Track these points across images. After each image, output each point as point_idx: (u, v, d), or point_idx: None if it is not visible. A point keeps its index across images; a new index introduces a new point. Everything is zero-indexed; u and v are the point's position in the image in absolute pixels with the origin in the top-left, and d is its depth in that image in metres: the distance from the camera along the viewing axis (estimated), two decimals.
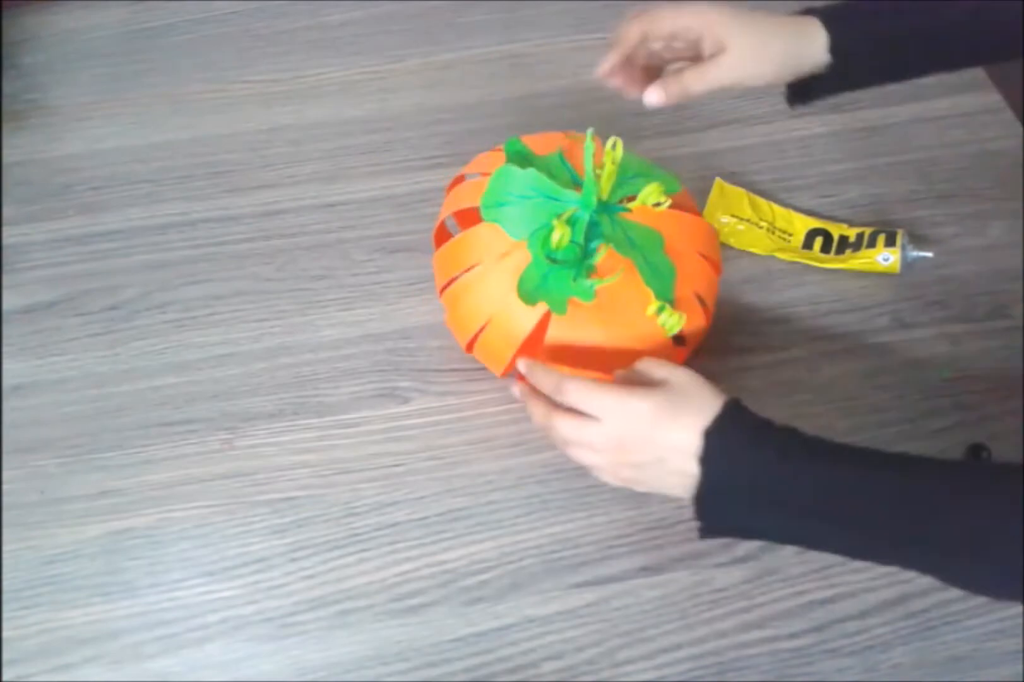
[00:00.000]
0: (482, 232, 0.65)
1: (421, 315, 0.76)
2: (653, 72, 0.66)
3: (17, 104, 0.92)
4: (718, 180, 0.82)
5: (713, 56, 0.61)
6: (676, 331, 0.62)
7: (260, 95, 0.91)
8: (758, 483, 0.51)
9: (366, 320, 0.76)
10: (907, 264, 0.75)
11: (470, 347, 0.68)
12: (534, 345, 0.64)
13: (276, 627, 0.62)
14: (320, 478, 0.68)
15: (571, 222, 0.62)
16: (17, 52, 0.96)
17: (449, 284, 0.67)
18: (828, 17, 0.60)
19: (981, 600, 0.61)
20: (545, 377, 0.58)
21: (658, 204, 0.62)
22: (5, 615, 0.63)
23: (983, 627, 0.60)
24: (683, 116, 0.87)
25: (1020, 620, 0.60)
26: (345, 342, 0.75)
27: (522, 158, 0.65)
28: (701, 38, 0.61)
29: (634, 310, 0.62)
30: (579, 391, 0.56)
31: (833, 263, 0.76)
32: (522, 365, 0.61)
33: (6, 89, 0.93)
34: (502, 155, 0.66)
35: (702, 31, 0.61)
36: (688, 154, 0.78)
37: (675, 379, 0.56)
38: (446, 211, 0.69)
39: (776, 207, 0.80)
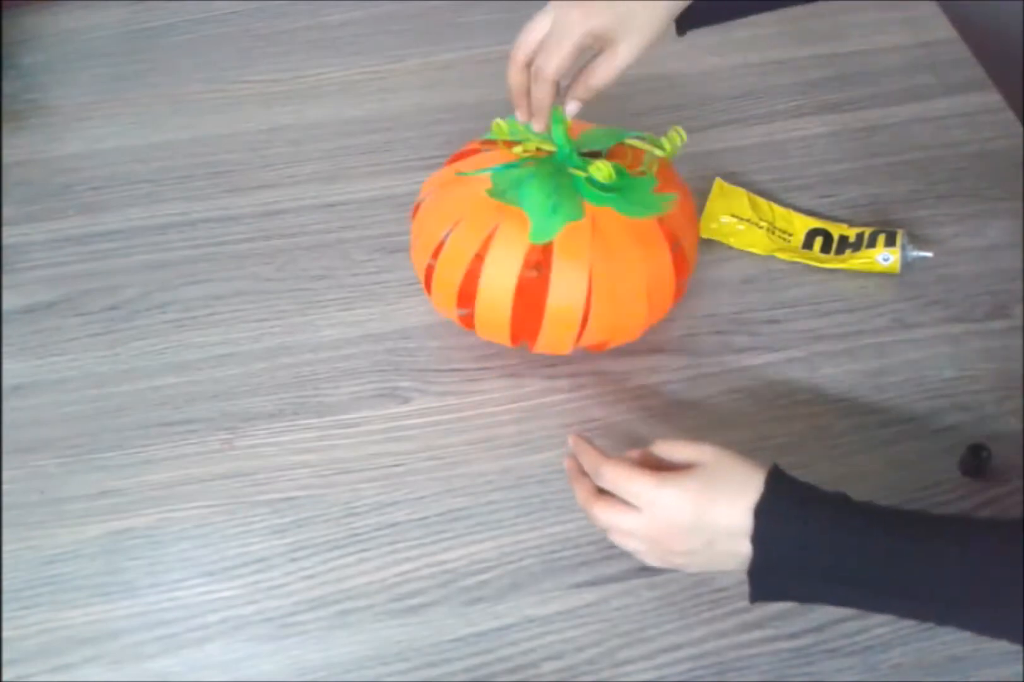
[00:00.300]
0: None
1: (421, 315, 0.76)
2: None
3: (17, 104, 0.92)
4: (718, 180, 0.82)
5: (603, 51, 0.61)
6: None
7: (260, 95, 0.91)
8: (809, 556, 0.51)
9: (366, 320, 0.76)
10: (907, 264, 0.75)
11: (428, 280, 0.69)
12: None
13: (276, 627, 0.62)
14: (320, 478, 0.68)
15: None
16: (17, 52, 0.96)
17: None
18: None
19: None
20: (586, 458, 0.58)
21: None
22: (5, 615, 0.63)
23: None
24: (683, 116, 0.87)
25: None
26: (345, 342, 0.75)
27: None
28: (590, 45, 0.61)
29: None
30: (614, 478, 0.55)
31: (833, 263, 0.76)
32: (571, 441, 0.60)
33: (6, 89, 0.93)
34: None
35: (589, 42, 0.61)
36: (688, 154, 0.78)
37: (704, 459, 0.54)
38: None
39: (776, 207, 0.80)
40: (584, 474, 0.58)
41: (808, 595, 0.54)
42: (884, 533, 0.51)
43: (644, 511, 0.54)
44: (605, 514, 0.56)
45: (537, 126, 0.64)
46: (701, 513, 0.52)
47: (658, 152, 0.67)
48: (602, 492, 0.56)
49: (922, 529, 0.52)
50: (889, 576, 0.50)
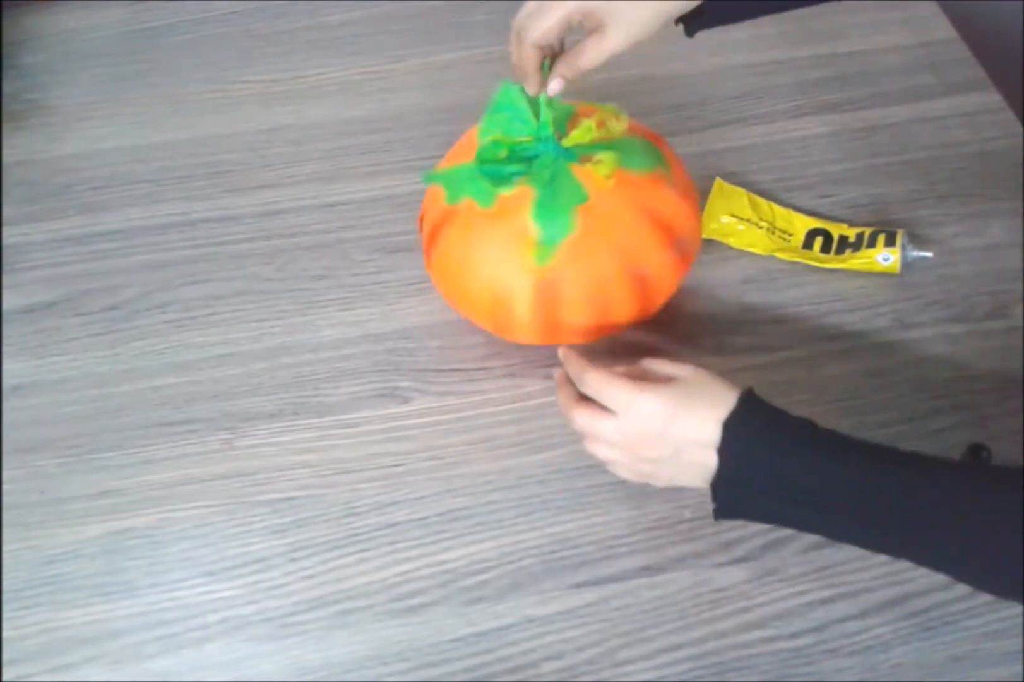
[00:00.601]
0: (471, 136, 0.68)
1: (421, 315, 0.76)
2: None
3: (17, 104, 0.92)
4: (718, 180, 0.82)
5: (593, 31, 0.62)
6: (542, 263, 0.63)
7: (260, 95, 0.91)
8: (773, 474, 0.52)
9: (366, 320, 0.76)
10: (907, 264, 0.75)
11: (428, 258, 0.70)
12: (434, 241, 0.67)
13: (276, 627, 0.62)
14: (320, 478, 0.68)
15: (520, 148, 0.65)
16: (17, 52, 0.96)
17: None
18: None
19: (981, 600, 0.61)
20: (572, 365, 0.60)
21: (607, 176, 0.63)
22: (5, 615, 0.63)
23: (983, 627, 0.60)
24: (683, 116, 0.87)
25: (1020, 620, 0.60)
26: (345, 342, 0.75)
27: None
28: (580, 22, 0.62)
29: (524, 238, 0.63)
30: (596, 382, 0.57)
31: (833, 263, 0.76)
32: (560, 352, 0.62)
33: (6, 89, 0.93)
34: None
35: (578, 18, 0.61)
36: (688, 154, 0.78)
37: (684, 374, 0.57)
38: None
39: (776, 207, 0.80)
40: (570, 382, 0.60)
41: (770, 514, 0.55)
42: (853, 458, 0.52)
43: (619, 416, 0.56)
44: (583, 417, 0.58)
45: (528, 89, 0.65)
46: (672, 421, 0.54)
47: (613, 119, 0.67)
48: (585, 400, 0.58)
49: (889, 459, 0.52)
50: (852, 501, 0.52)
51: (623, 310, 0.66)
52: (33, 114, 0.91)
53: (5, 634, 0.63)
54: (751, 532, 0.64)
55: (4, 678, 0.61)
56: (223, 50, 0.95)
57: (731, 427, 0.53)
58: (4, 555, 0.66)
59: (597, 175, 0.63)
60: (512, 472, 0.68)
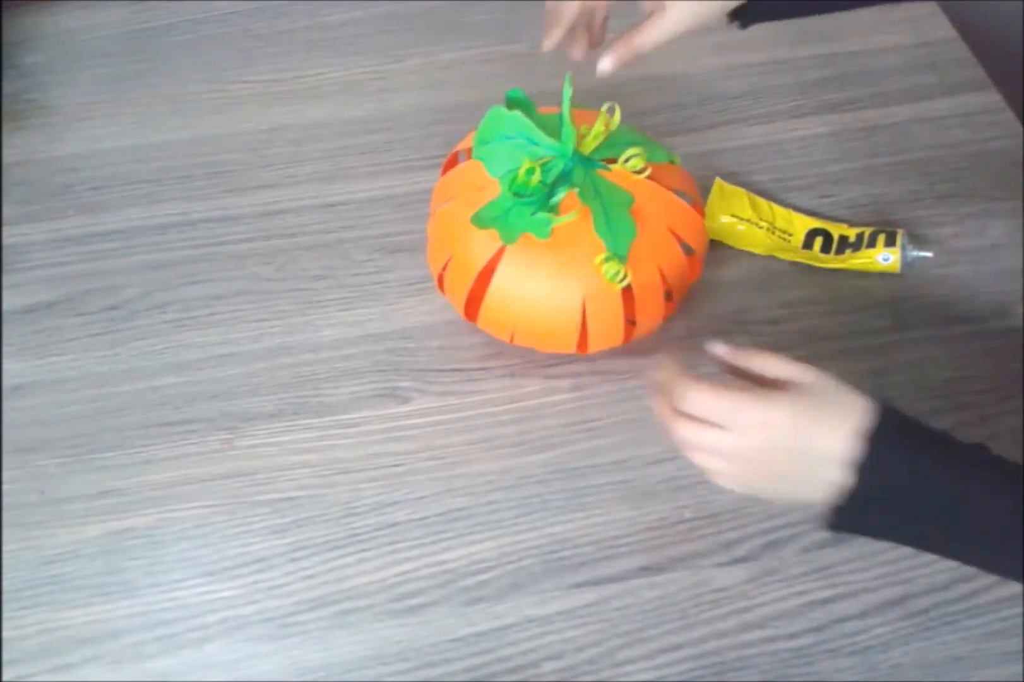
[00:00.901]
0: (469, 168, 0.67)
1: (421, 315, 0.76)
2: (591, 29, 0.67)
3: (17, 104, 0.92)
4: (718, 180, 0.82)
5: (655, 13, 0.61)
6: (621, 285, 0.63)
7: (260, 95, 0.91)
8: (909, 491, 0.48)
9: (366, 320, 0.76)
10: (907, 264, 0.75)
11: (440, 283, 0.70)
12: (487, 280, 0.66)
13: (276, 627, 0.62)
14: (320, 478, 0.68)
15: (545, 168, 0.64)
16: (17, 52, 0.96)
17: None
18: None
19: (981, 600, 0.61)
20: (671, 378, 0.53)
21: (640, 171, 0.64)
22: (5, 615, 0.63)
23: (983, 627, 0.60)
24: (683, 116, 0.87)
25: (1020, 620, 0.60)
26: (345, 342, 0.75)
27: (521, 106, 0.67)
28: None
29: (588, 257, 0.63)
30: (704, 402, 0.51)
31: (833, 263, 0.76)
32: (661, 360, 0.56)
33: (6, 89, 0.93)
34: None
35: None
36: (688, 154, 0.78)
37: (807, 379, 0.51)
38: (461, 146, 0.71)
39: (776, 207, 0.80)
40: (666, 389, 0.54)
41: (889, 530, 0.50)
42: (994, 477, 0.48)
43: (737, 429, 0.50)
44: (691, 431, 0.52)
45: (546, 41, 0.64)
46: (804, 435, 0.49)
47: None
48: None
49: None
50: (988, 523, 0.48)
51: (659, 310, 0.68)
52: (33, 114, 0.91)
53: (5, 634, 0.63)
54: (751, 532, 0.64)
55: (4, 678, 0.61)
56: (223, 50, 0.95)
57: (872, 441, 0.47)
58: (4, 555, 0.66)
59: (628, 174, 0.64)
60: (512, 472, 0.68)
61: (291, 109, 0.90)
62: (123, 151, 0.88)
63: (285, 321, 0.76)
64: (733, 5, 0.61)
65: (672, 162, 0.69)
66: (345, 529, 0.66)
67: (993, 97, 0.87)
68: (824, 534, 0.64)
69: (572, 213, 0.62)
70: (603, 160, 0.66)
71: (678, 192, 0.67)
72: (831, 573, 0.63)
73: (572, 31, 0.64)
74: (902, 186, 0.82)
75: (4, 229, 0.82)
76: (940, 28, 0.92)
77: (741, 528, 0.65)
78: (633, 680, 0.60)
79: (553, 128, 0.66)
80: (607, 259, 0.63)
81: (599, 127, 0.65)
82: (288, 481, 0.68)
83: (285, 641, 0.62)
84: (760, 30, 0.92)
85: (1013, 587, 0.61)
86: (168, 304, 0.77)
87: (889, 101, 0.87)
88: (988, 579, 0.62)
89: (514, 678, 0.60)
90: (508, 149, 0.65)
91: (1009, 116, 0.85)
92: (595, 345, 0.68)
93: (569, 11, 0.61)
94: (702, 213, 0.71)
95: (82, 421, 0.72)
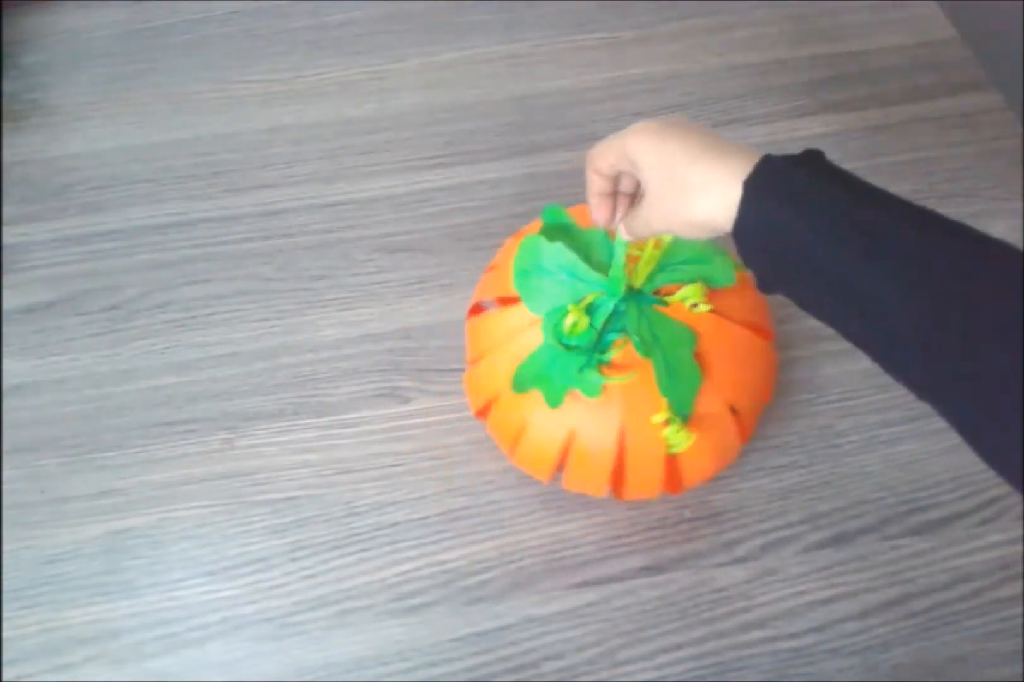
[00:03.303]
0: (498, 318, 0.61)
1: (421, 315, 0.76)
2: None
3: (17, 104, 0.92)
4: None
5: (640, 199, 0.53)
6: (680, 450, 0.56)
7: (260, 95, 0.91)
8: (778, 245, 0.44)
9: (366, 320, 0.76)
10: None
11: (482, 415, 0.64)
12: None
13: (276, 627, 0.62)
14: (320, 478, 0.68)
15: (592, 307, 0.57)
16: (17, 52, 0.96)
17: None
18: (755, 190, 0.45)
19: (981, 600, 0.61)
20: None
21: (695, 305, 0.57)
22: (5, 615, 0.63)
23: (983, 627, 0.60)
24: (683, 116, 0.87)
25: (1020, 620, 0.60)
26: (345, 342, 0.75)
27: (561, 229, 0.59)
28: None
29: (647, 414, 0.56)
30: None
31: None
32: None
33: (6, 89, 0.93)
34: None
35: (627, 168, 0.51)
36: None
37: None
38: (478, 295, 0.65)
39: None
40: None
41: (778, 283, 0.46)
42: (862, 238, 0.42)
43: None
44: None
45: (592, 214, 0.55)
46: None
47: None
48: None
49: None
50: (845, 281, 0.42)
51: (733, 444, 0.60)
52: (33, 114, 0.91)
53: (5, 634, 0.63)
54: (751, 532, 0.64)
55: (4, 678, 0.61)
56: (223, 50, 0.95)
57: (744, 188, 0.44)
58: (4, 555, 0.66)
59: (686, 308, 0.57)
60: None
61: (291, 109, 0.90)
62: (123, 151, 0.88)
63: (285, 321, 0.76)
64: (700, 233, 0.49)
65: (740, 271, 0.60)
66: (345, 529, 0.66)
67: (993, 97, 0.87)
68: (824, 534, 0.64)
69: (628, 374, 0.55)
70: (658, 292, 0.58)
71: (746, 322, 0.59)
72: (831, 573, 0.63)
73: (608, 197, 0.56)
74: (903, 186, 0.82)
75: (4, 229, 0.82)
76: (940, 28, 0.92)
77: (741, 528, 0.65)
78: (633, 680, 0.60)
79: (596, 248, 0.58)
80: (669, 421, 0.55)
81: (650, 250, 0.57)
82: (288, 481, 0.68)
83: (285, 641, 0.62)
84: (760, 30, 0.93)
85: (1013, 587, 0.62)
86: (168, 304, 0.77)
87: (890, 101, 0.87)
88: (988, 579, 0.62)
89: (514, 678, 0.60)
90: (550, 285, 0.57)
91: (1009, 116, 0.85)
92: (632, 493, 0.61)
93: (593, 185, 0.55)
94: (770, 337, 0.62)
95: (82, 421, 0.72)
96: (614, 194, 0.54)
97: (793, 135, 0.86)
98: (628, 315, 0.57)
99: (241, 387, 0.73)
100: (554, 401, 0.56)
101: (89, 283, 0.79)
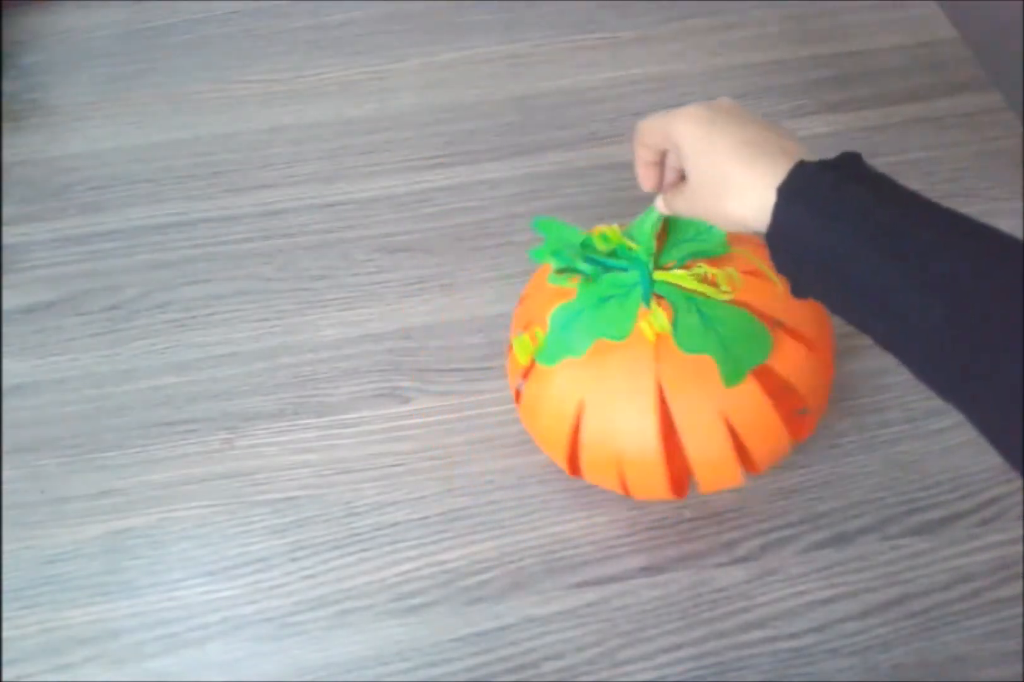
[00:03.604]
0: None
1: (421, 315, 0.76)
2: None
3: (17, 104, 0.92)
4: None
5: (683, 179, 0.54)
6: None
7: (260, 95, 0.91)
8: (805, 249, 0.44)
9: (366, 320, 0.76)
10: None
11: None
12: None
13: (276, 627, 0.62)
14: (320, 478, 0.68)
15: (625, 288, 0.57)
16: (17, 52, 0.96)
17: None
18: (787, 196, 0.45)
19: (981, 600, 0.61)
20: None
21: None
22: (5, 615, 0.63)
23: (983, 627, 0.60)
24: None
25: (1020, 620, 0.60)
26: (345, 342, 0.75)
27: (557, 233, 0.60)
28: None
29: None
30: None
31: None
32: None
33: (6, 89, 0.93)
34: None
35: (671, 149, 0.52)
36: None
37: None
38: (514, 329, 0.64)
39: None
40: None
41: (809, 286, 0.47)
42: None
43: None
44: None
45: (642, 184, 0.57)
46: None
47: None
48: None
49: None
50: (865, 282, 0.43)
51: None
52: (33, 114, 0.91)
53: (5, 634, 0.63)
54: (751, 532, 0.64)
55: (4, 678, 0.61)
56: (223, 50, 0.95)
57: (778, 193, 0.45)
58: (4, 555, 0.66)
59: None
60: (512, 472, 0.68)
61: (291, 109, 0.90)
62: (123, 151, 0.88)
63: (285, 321, 0.76)
64: (736, 229, 0.50)
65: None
66: (345, 529, 0.66)
67: (993, 97, 0.87)
68: (824, 534, 0.64)
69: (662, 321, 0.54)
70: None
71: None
72: (831, 573, 0.63)
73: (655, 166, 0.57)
74: None
75: (4, 229, 0.82)
76: (940, 28, 0.92)
77: (741, 528, 0.65)
78: (633, 680, 0.60)
79: (592, 250, 0.58)
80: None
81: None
82: (288, 481, 0.68)
83: (285, 641, 0.62)
84: (760, 30, 0.93)
85: (1013, 587, 0.61)
86: (168, 304, 0.77)
87: (890, 101, 0.87)
88: (988, 579, 0.62)
89: (514, 678, 0.60)
90: (583, 324, 0.56)
91: (1009, 116, 0.85)
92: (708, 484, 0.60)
93: (639, 157, 0.56)
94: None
95: (82, 421, 0.72)
96: (661, 163, 0.56)
97: None
98: (674, 302, 0.55)
99: (241, 387, 0.73)
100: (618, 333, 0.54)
101: (89, 283, 0.79)
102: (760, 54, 0.92)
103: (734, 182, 0.47)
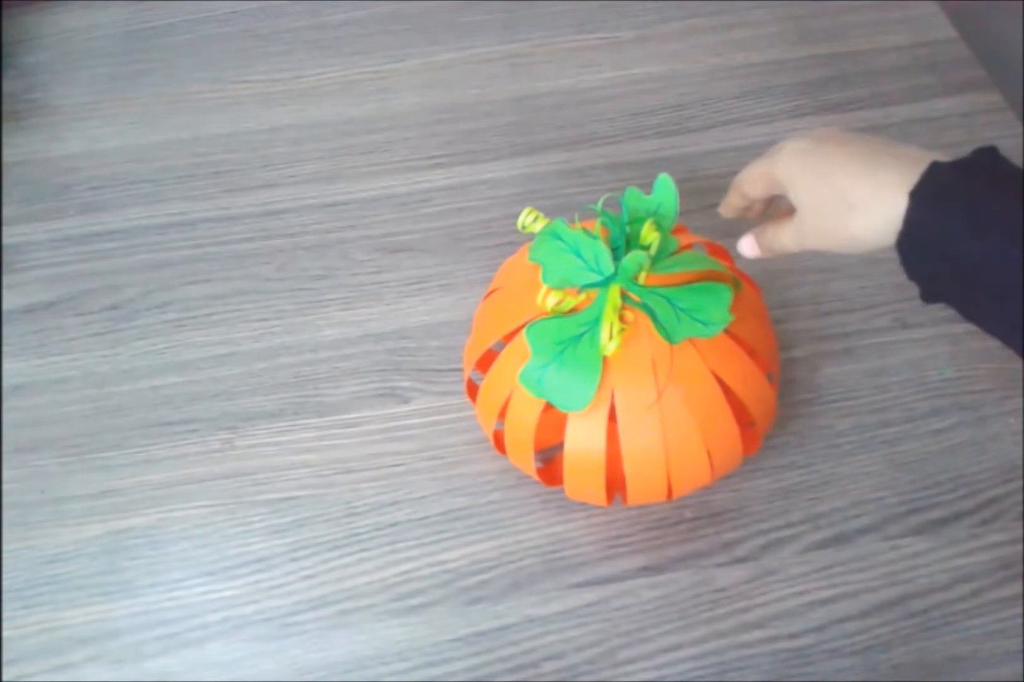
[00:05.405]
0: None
1: (421, 315, 0.76)
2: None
3: (17, 104, 0.92)
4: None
5: (788, 216, 0.53)
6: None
7: (260, 95, 0.91)
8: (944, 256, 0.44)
9: (366, 320, 0.76)
10: None
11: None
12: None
13: (276, 627, 0.62)
14: (320, 478, 0.68)
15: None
16: (17, 52, 0.96)
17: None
18: (921, 201, 0.44)
19: (981, 600, 0.61)
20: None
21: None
22: (5, 615, 0.63)
23: (983, 627, 0.60)
24: (683, 116, 0.87)
25: (1020, 620, 0.60)
26: (345, 342, 0.75)
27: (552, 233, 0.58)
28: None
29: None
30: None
31: None
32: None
33: (6, 89, 0.93)
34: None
35: (778, 191, 0.52)
36: (688, 154, 0.78)
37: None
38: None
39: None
40: None
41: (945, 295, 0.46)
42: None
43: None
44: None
45: (722, 209, 0.58)
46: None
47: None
48: None
49: None
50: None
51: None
52: (33, 114, 0.91)
53: (5, 634, 0.63)
54: (751, 532, 0.64)
55: (4, 678, 0.61)
56: (223, 50, 0.95)
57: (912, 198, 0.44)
58: (4, 555, 0.66)
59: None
60: (512, 472, 0.68)
61: (291, 109, 0.90)
62: (123, 151, 0.88)
63: (285, 321, 0.76)
64: (861, 249, 0.49)
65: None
66: (345, 529, 0.66)
67: (993, 97, 0.87)
68: (824, 534, 0.64)
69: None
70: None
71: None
72: (831, 573, 0.63)
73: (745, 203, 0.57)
74: None
75: (4, 229, 0.82)
76: (940, 28, 0.92)
77: (741, 528, 0.65)
78: (633, 680, 0.60)
79: (585, 249, 0.56)
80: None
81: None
82: (288, 481, 0.68)
83: (285, 641, 0.62)
84: (760, 30, 0.93)
85: (1013, 587, 0.62)
86: (168, 304, 0.77)
87: (889, 101, 0.87)
88: (988, 579, 0.62)
89: (514, 678, 0.60)
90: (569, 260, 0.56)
91: (1009, 116, 0.85)
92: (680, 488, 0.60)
93: (730, 204, 0.56)
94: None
95: (82, 421, 0.72)
96: (750, 207, 0.56)
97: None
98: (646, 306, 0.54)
99: (241, 387, 0.73)
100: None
101: (89, 283, 0.79)
102: (760, 54, 0.92)
103: (856, 198, 0.46)
